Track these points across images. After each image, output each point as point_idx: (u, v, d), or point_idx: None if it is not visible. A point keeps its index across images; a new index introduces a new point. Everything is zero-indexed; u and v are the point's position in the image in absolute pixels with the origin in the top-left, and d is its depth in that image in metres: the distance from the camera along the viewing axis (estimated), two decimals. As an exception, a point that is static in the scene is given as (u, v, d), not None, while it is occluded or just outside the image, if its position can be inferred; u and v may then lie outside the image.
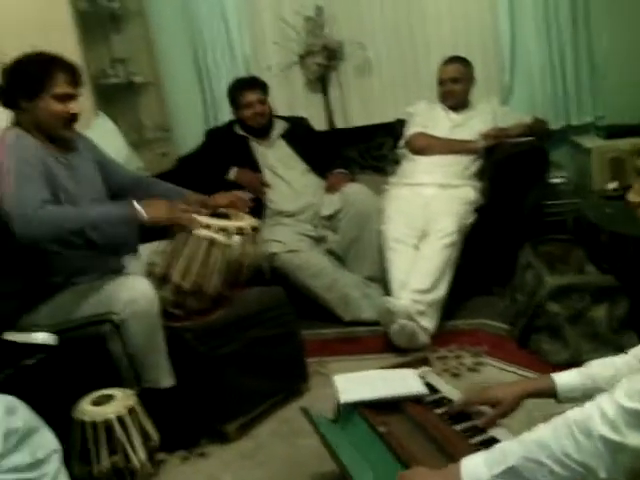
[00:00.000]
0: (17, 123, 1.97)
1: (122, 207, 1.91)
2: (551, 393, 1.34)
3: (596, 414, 1.01)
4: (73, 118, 2.00)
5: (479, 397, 1.46)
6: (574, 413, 1.05)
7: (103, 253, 1.99)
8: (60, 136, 2.01)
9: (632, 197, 1.12)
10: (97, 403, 1.74)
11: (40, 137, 1.96)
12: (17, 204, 1.76)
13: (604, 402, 1.01)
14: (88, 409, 1.71)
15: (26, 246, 1.80)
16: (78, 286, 1.98)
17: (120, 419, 1.70)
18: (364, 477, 1.40)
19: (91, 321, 1.90)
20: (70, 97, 1.97)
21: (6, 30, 2.71)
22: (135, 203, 1.90)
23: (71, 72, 1.98)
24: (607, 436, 0.98)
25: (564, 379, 1.33)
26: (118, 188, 2.22)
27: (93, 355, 1.88)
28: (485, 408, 1.44)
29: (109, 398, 1.76)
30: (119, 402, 1.74)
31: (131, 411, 1.74)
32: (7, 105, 1.98)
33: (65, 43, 2.98)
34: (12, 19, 2.79)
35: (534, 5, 3.35)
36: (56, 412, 1.64)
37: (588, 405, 1.04)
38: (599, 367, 1.34)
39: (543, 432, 1.07)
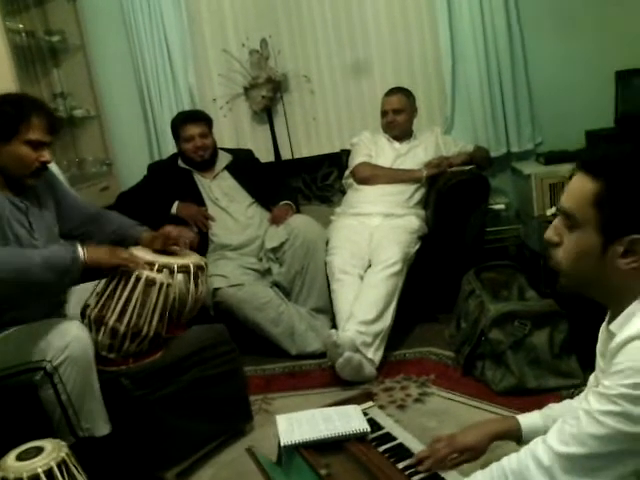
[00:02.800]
0: None
1: (64, 248, 1.84)
2: (517, 435, 1.31)
3: (532, 463, 1.00)
4: (43, 167, 1.94)
5: (450, 448, 1.38)
6: (510, 462, 1.04)
7: (41, 296, 1.91)
8: (23, 182, 1.94)
9: (549, 235, 1.09)
10: (23, 458, 1.64)
11: None
12: None
13: (538, 450, 1.00)
14: (12, 465, 1.60)
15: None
16: (6, 331, 1.90)
17: (48, 473, 1.60)
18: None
19: (21, 370, 1.81)
20: (43, 145, 1.90)
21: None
22: (78, 245, 1.84)
23: (48, 119, 1.91)
24: None
25: (528, 421, 1.32)
26: (74, 225, 2.15)
27: (23, 405, 1.79)
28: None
29: (38, 451, 1.66)
30: (48, 455, 1.64)
31: (61, 463, 1.64)
32: None
33: (2, 77, 2.92)
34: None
35: (473, 38, 3.45)
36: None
37: (523, 453, 1.04)
38: (559, 409, 1.33)
39: None
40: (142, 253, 2.01)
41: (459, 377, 2.39)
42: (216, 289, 2.72)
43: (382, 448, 1.55)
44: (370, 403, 1.79)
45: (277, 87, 3.64)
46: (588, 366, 2.19)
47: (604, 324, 1.09)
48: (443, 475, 1.39)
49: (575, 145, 3.26)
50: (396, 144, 3.26)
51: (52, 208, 2.08)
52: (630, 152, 1.00)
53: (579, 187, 1.02)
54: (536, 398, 2.13)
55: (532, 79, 3.54)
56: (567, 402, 1.35)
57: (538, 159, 3.51)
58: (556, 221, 1.08)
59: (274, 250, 2.93)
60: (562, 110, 3.51)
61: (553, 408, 1.35)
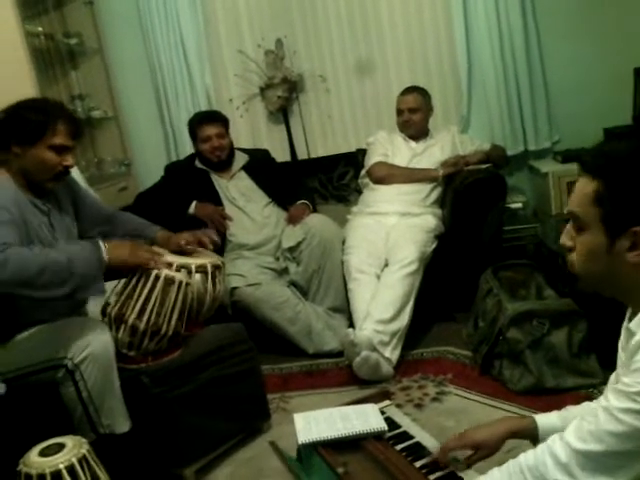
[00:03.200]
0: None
1: (87, 248, 1.84)
2: (533, 434, 1.30)
3: (549, 459, 1.00)
4: (65, 171, 1.96)
5: (460, 441, 1.38)
6: (527, 458, 1.04)
7: (68, 297, 1.91)
8: (45, 187, 1.96)
9: (563, 240, 1.11)
10: (46, 454, 1.66)
11: (21, 181, 1.91)
12: None
13: (556, 446, 1.00)
14: (35, 460, 1.63)
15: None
16: (29, 330, 1.93)
17: (70, 469, 1.63)
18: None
19: (43, 367, 1.83)
20: (66, 149, 1.93)
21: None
22: (100, 243, 1.85)
23: (73, 124, 1.94)
24: None
25: (545, 421, 1.31)
26: (90, 226, 2.18)
27: (44, 402, 1.82)
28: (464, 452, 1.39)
29: (59, 447, 1.68)
30: (70, 451, 1.67)
31: (82, 460, 1.67)
32: None
33: (22, 80, 2.96)
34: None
35: (489, 36, 3.43)
36: (2, 466, 1.58)
37: (540, 449, 1.03)
38: (577, 410, 1.32)
39: (497, 477, 1.05)
40: (160, 253, 2.02)
41: (477, 376, 2.38)
42: (234, 288, 2.73)
43: (399, 447, 1.55)
44: (387, 402, 1.80)
45: (293, 87, 3.65)
46: (607, 365, 2.16)
47: (625, 322, 1.09)
48: (460, 474, 1.39)
49: (593, 143, 3.22)
50: (412, 143, 3.26)
51: (70, 209, 2.11)
52: (625, 148, 1.03)
53: (581, 188, 1.05)
54: (555, 397, 2.13)
55: (549, 77, 3.51)
56: (586, 404, 1.33)
57: (555, 157, 3.48)
58: (568, 226, 1.11)
59: (291, 249, 2.94)
60: (579, 108, 3.48)
61: (571, 410, 1.33)
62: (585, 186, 1.04)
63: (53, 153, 1.89)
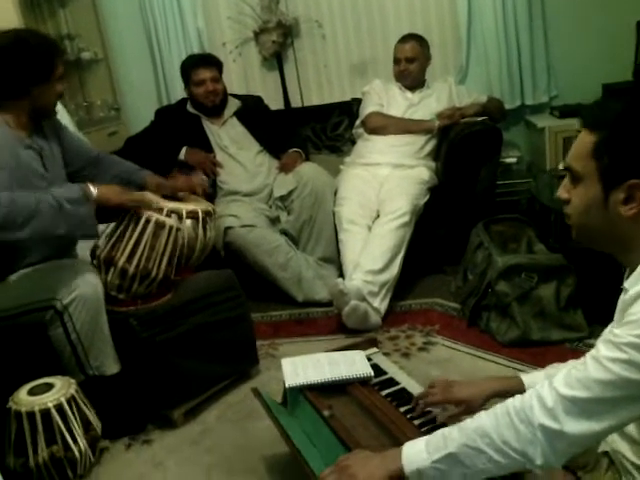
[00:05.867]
0: None
1: (75, 188, 1.84)
2: (520, 393, 1.32)
3: (536, 403, 1.01)
4: (61, 97, 1.99)
5: (444, 396, 1.39)
6: (514, 401, 1.05)
7: (63, 238, 1.91)
8: (49, 117, 1.99)
9: (560, 193, 1.12)
10: (35, 393, 1.68)
11: (19, 120, 1.89)
12: None
13: (544, 391, 1.02)
14: (25, 399, 1.66)
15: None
16: (19, 272, 1.92)
17: (59, 408, 1.65)
18: (314, 460, 1.39)
19: (32, 308, 1.83)
20: (63, 75, 1.94)
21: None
22: (90, 185, 1.84)
23: (61, 49, 1.98)
24: (546, 424, 0.98)
25: (531, 380, 1.32)
26: (79, 166, 2.15)
27: (33, 343, 1.82)
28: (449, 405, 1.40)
29: (48, 387, 1.71)
30: (58, 390, 1.69)
31: (71, 399, 1.69)
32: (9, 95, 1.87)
33: (7, 18, 2.85)
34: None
35: (491, -16, 3.34)
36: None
37: (528, 394, 1.05)
38: (563, 368, 1.33)
39: (484, 420, 1.07)
40: (150, 197, 2.00)
41: (464, 328, 2.41)
42: (228, 228, 2.71)
43: (385, 392, 1.58)
44: (374, 349, 1.82)
45: (288, 32, 3.56)
46: (593, 320, 2.21)
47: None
48: (442, 420, 1.41)
49: (591, 99, 3.18)
50: (408, 93, 3.20)
51: (59, 148, 2.08)
52: (626, 103, 1.03)
53: (580, 142, 1.05)
54: (540, 350, 2.16)
55: (549, 29, 3.44)
56: (572, 362, 1.35)
57: (552, 112, 3.44)
58: (565, 179, 1.11)
59: (282, 198, 2.92)
60: (579, 63, 3.42)
61: (557, 367, 1.35)
62: (584, 139, 1.04)
63: (60, 82, 1.92)
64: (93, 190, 1.83)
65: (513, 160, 3.38)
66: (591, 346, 1.01)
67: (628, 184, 0.99)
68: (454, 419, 1.37)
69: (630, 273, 1.05)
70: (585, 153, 1.03)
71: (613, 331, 0.98)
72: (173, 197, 2.13)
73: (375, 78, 3.35)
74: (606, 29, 3.35)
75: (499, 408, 1.07)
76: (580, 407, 0.97)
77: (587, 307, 2.26)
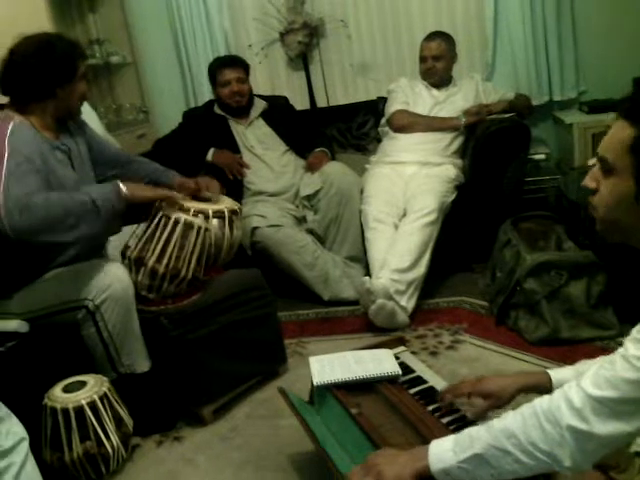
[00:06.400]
0: (18, 109, 1.89)
1: (107, 187, 1.88)
2: (547, 389, 1.29)
3: (563, 404, 1.00)
4: (85, 98, 2.02)
5: (473, 388, 1.40)
6: (542, 402, 1.04)
7: (91, 239, 1.94)
8: (75, 119, 2.02)
9: (587, 181, 1.08)
10: (69, 390, 1.73)
11: (44, 123, 1.92)
12: (3, 199, 1.69)
13: (571, 391, 1.01)
14: (59, 396, 1.70)
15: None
16: (51, 272, 1.96)
17: (92, 405, 1.69)
18: (340, 459, 1.40)
19: (64, 308, 1.88)
20: (86, 75, 1.98)
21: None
22: (119, 182, 1.88)
23: (82, 50, 1.99)
24: (574, 425, 0.97)
25: (559, 376, 1.31)
26: (105, 167, 2.19)
27: (66, 342, 1.87)
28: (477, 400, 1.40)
29: (81, 384, 1.75)
30: (91, 388, 1.73)
31: (104, 397, 1.73)
32: (34, 97, 1.90)
33: (39, 24, 2.90)
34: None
35: (518, -20, 3.31)
36: (27, 400, 1.64)
37: (555, 395, 1.04)
38: (592, 364, 1.32)
39: (511, 421, 1.06)
40: (178, 198, 2.03)
41: (492, 326, 2.39)
42: (255, 228, 2.73)
43: (413, 390, 1.58)
44: (402, 348, 1.82)
45: (313, 32, 3.57)
46: (624, 318, 2.18)
47: None
48: (472, 418, 1.40)
49: (621, 93, 3.09)
50: (434, 91, 3.18)
51: (86, 150, 2.11)
52: None
53: (617, 133, 1.01)
54: (570, 348, 2.14)
55: (578, 24, 3.39)
56: (600, 358, 1.33)
57: (581, 108, 3.39)
58: (595, 168, 1.06)
59: (309, 198, 2.93)
60: (608, 57, 3.36)
61: (586, 363, 1.33)
62: (622, 131, 0.99)
63: (83, 83, 1.95)
64: (123, 187, 1.86)
65: (541, 157, 3.33)
66: (622, 344, 0.99)
67: None
68: (482, 414, 1.38)
69: None
70: (621, 146, 0.99)
71: (641, 329, 0.97)
72: (198, 198, 2.15)
73: (401, 77, 3.34)
74: (636, 23, 3.28)
75: (526, 409, 1.06)
76: (609, 407, 0.96)
77: (618, 305, 2.22)
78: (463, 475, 1.09)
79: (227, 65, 3.05)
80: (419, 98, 3.17)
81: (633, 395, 0.94)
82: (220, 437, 1.93)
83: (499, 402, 1.35)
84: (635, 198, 0.99)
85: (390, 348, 1.77)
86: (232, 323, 2.05)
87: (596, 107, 3.24)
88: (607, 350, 2.05)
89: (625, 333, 1.13)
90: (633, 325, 1.07)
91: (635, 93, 1.03)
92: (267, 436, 1.90)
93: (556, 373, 1.33)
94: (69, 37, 2.00)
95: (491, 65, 3.50)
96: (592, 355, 1.34)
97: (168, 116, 3.64)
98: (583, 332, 2.20)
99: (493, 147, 2.86)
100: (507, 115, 3.04)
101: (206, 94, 3.50)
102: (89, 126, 2.19)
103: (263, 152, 3.05)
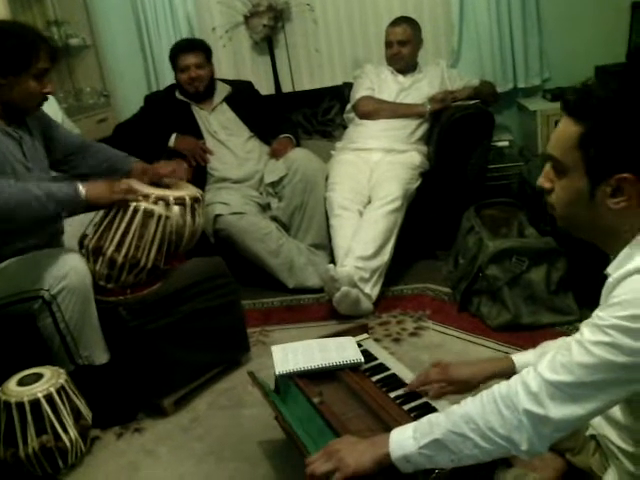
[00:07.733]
0: None
1: (64, 188, 1.83)
2: (511, 374, 1.29)
3: (520, 389, 1.02)
4: (45, 98, 1.94)
5: (441, 376, 1.41)
6: (500, 388, 1.06)
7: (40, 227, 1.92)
8: (24, 114, 1.95)
9: (541, 182, 1.08)
10: (24, 383, 1.68)
11: None
12: None
13: (529, 377, 1.02)
14: (14, 389, 1.65)
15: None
16: (6, 262, 1.90)
17: (49, 398, 1.65)
18: (309, 445, 1.39)
19: (20, 298, 1.82)
20: (46, 72, 1.89)
21: None
22: (79, 185, 1.83)
23: (51, 47, 1.91)
24: (531, 409, 0.99)
25: (522, 360, 1.33)
26: (61, 155, 2.13)
27: (22, 333, 1.82)
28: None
29: (38, 377, 1.71)
30: (48, 381, 1.69)
31: (61, 389, 1.69)
32: None
33: (-7, 4, 2.82)
34: None
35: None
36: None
37: (513, 380, 1.05)
38: (553, 346, 1.33)
39: (470, 406, 1.07)
40: (136, 185, 1.98)
41: (455, 313, 2.41)
42: (217, 215, 2.69)
43: (375, 378, 1.58)
44: (365, 335, 1.82)
45: (279, 16, 3.52)
46: (584, 303, 2.21)
47: None
48: (434, 404, 1.41)
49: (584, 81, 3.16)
50: (400, 77, 3.17)
51: (41, 139, 2.05)
52: (612, 90, 0.98)
53: (564, 131, 1.01)
54: (531, 334, 2.16)
55: (542, 11, 3.41)
56: (562, 339, 1.35)
57: (545, 95, 3.42)
58: (547, 167, 1.07)
59: (273, 184, 2.90)
60: (572, 44, 3.40)
61: (548, 345, 1.35)
62: (568, 128, 1.00)
63: (36, 82, 1.87)
64: (82, 190, 1.82)
65: (505, 144, 3.36)
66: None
67: (616, 177, 0.96)
68: (440, 395, 1.39)
69: (613, 259, 1.05)
70: (569, 144, 0.99)
71: (597, 314, 0.98)
72: (159, 184, 2.11)
73: (366, 62, 3.32)
74: (600, 11, 3.32)
75: (485, 395, 1.07)
76: (564, 392, 0.98)
77: (578, 291, 2.26)
78: (423, 461, 1.10)
79: (186, 50, 2.98)
80: (384, 84, 3.16)
81: (586, 379, 0.96)
82: (181, 428, 1.91)
83: (465, 389, 1.37)
84: (589, 195, 1.00)
85: (353, 336, 1.77)
86: (194, 312, 2.02)
87: (560, 95, 3.25)
88: (567, 335, 2.07)
89: (584, 318, 1.14)
90: (592, 310, 1.09)
91: (577, 90, 1.02)
92: (229, 426, 1.89)
93: (518, 357, 1.35)
94: (34, 28, 1.93)
95: (456, 51, 3.51)
96: (552, 340, 1.36)
97: (129, 100, 3.57)
98: (544, 318, 2.23)
99: (458, 134, 2.87)
100: (472, 102, 3.05)
101: (168, 78, 3.41)
102: (46, 114, 2.13)
103: (227, 138, 3.00)
